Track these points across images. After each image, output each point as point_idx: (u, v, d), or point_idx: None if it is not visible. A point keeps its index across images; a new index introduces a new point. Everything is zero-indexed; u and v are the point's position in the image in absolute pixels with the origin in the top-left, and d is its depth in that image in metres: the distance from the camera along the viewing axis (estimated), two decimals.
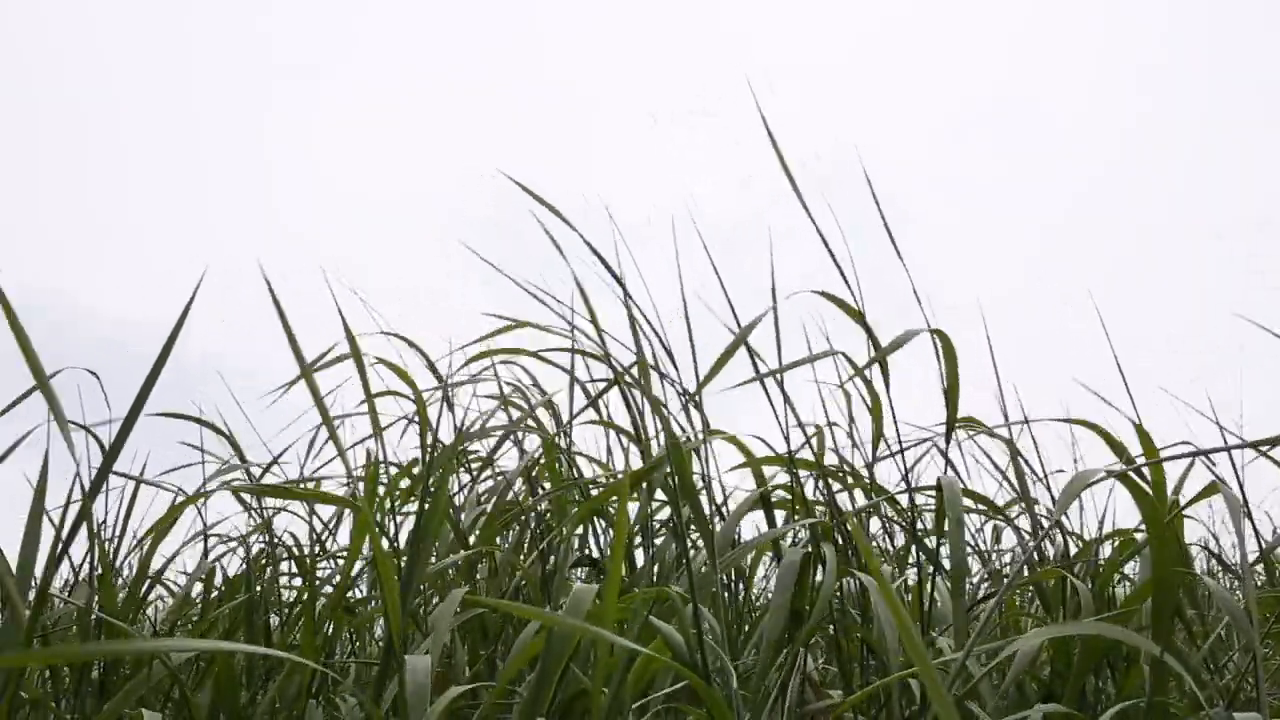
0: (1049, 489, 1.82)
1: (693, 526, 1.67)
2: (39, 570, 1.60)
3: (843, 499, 1.87)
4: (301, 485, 2.13)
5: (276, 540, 2.19)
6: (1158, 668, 1.29)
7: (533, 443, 2.12)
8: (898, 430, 1.59)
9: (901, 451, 1.64)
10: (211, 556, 2.28)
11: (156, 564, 2.13)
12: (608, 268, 1.50)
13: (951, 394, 1.45)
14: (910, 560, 2.09)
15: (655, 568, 1.81)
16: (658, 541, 2.14)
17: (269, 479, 2.27)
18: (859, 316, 1.48)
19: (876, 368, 1.75)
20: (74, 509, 1.65)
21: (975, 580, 2.27)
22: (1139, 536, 1.69)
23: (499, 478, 2.16)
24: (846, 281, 1.46)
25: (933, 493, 1.89)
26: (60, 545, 1.52)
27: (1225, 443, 1.64)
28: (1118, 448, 1.81)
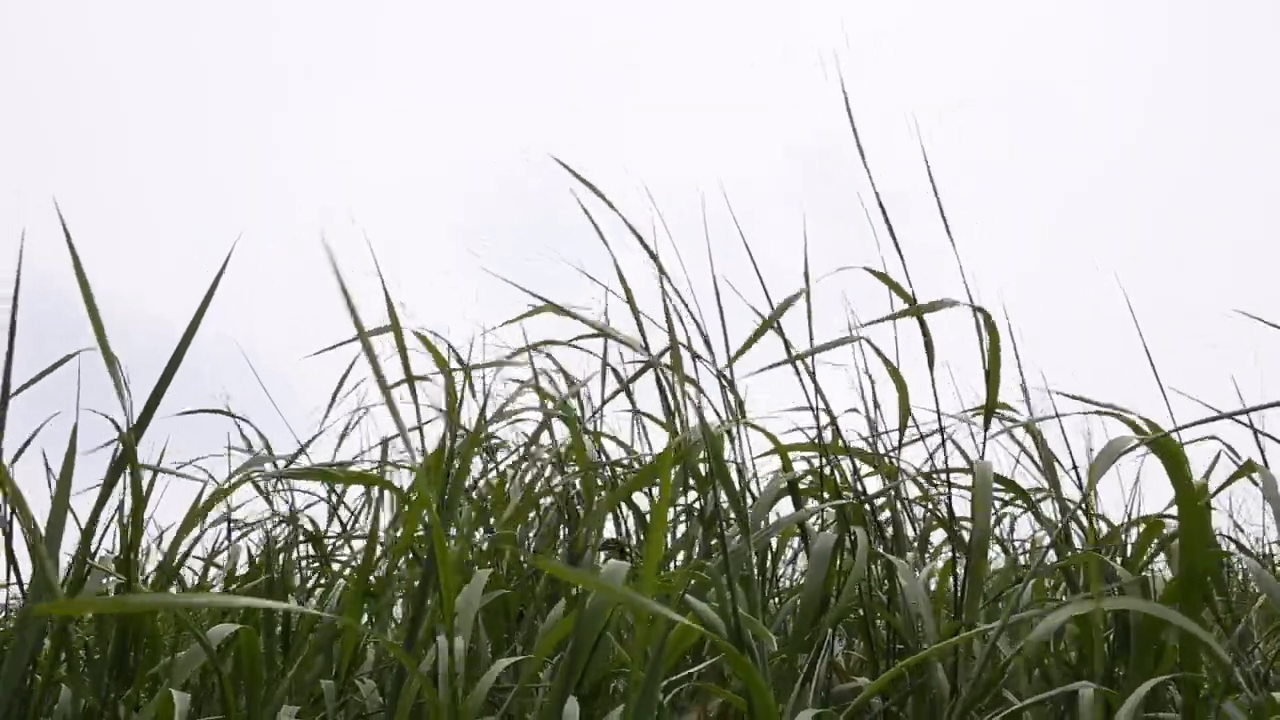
0: (1077, 476, 1.81)
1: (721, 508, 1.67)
2: (69, 547, 1.59)
3: (869, 487, 1.86)
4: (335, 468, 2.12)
5: (298, 526, 2.18)
6: (1188, 644, 1.29)
7: (562, 431, 2.12)
8: (938, 412, 1.58)
9: (943, 437, 1.64)
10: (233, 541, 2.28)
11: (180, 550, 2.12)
12: (644, 245, 1.50)
13: (993, 373, 1.45)
14: (933, 546, 2.09)
15: (681, 553, 1.81)
16: (679, 529, 2.14)
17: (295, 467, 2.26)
18: (906, 295, 1.48)
19: (902, 351, 1.75)
20: (97, 494, 1.64)
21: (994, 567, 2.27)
22: (1169, 524, 1.70)
23: (524, 462, 2.16)
24: (901, 256, 1.46)
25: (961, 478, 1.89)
26: (90, 523, 1.51)
27: (1256, 435, 1.64)
28: (1140, 432, 1.81)
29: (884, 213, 1.52)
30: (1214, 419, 1.26)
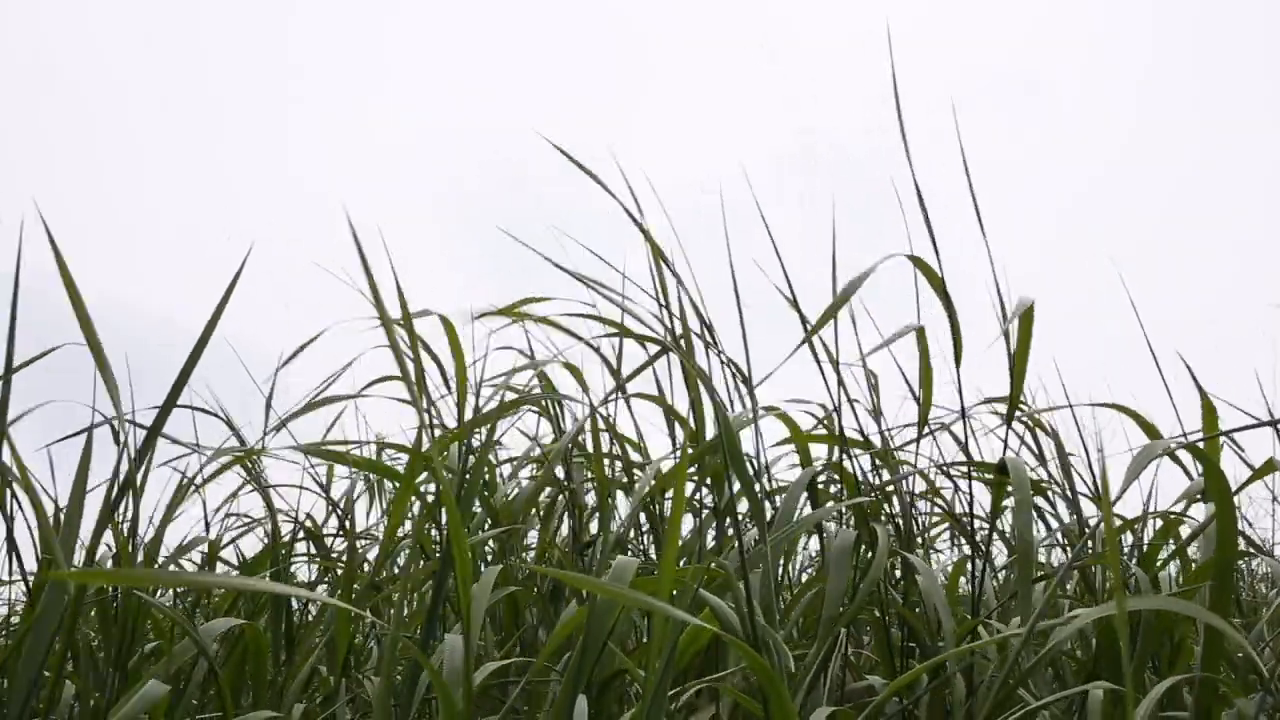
0: (1094, 470, 1.80)
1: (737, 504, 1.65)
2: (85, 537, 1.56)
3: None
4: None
5: (297, 522, 2.16)
6: (1212, 642, 1.28)
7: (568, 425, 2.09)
8: (963, 407, 1.56)
9: (966, 429, 1.62)
10: (228, 538, 2.25)
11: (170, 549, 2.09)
12: (642, 230, 1.47)
13: (1019, 365, 1.43)
14: (952, 543, 2.08)
15: (698, 546, 1.79)
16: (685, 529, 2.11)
17: (279, 465, 2.23)
18: (940, 284, 1.45)
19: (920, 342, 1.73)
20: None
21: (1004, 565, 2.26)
22: (1185, 523, 1.68)
23: (532, 456, 2.14)
24: (936, 249, 1.44)
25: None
26: (103, 517, 1.49)
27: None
28: (1149, 429, 1.80)
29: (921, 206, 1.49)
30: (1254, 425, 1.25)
